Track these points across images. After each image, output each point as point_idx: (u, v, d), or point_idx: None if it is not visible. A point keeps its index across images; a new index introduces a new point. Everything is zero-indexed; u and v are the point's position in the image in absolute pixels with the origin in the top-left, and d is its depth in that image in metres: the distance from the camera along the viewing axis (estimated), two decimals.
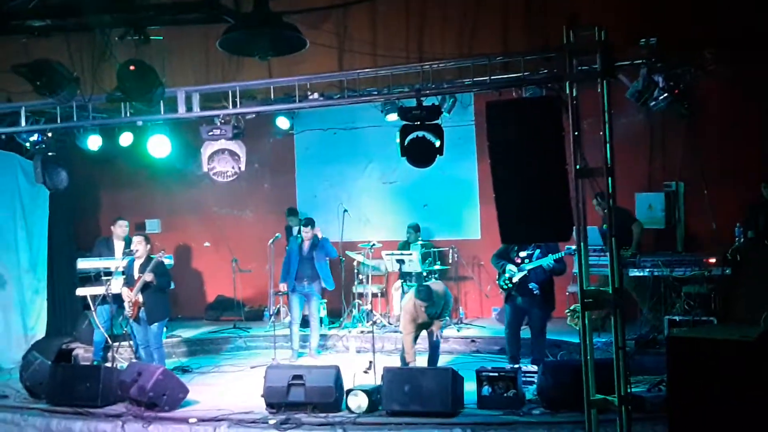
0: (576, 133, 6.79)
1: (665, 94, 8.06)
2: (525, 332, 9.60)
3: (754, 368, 6.20)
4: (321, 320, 12.12)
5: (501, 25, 7.47)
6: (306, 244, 11.03)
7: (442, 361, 10.44)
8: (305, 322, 11.26)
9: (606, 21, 6.75)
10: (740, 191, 10.11)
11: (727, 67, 8.78)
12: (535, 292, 9.16)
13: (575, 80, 6.88)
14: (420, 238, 12.32)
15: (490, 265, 9.90)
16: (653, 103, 8.31)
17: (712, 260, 9.69)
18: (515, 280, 9.19)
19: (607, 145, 6.66)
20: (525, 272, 9.16)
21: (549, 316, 9.61)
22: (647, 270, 9.93)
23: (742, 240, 9.51)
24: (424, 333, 9.48)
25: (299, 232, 11.48)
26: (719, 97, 10.22)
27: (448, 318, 10.65)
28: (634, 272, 9.96)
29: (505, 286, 9.30)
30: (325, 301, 12.42)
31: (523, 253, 9.23)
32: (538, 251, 9.16)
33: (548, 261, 9.09)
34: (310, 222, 11.19)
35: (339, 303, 12.76)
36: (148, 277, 9.46)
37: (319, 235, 11.07)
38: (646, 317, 10.10)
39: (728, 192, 10.42)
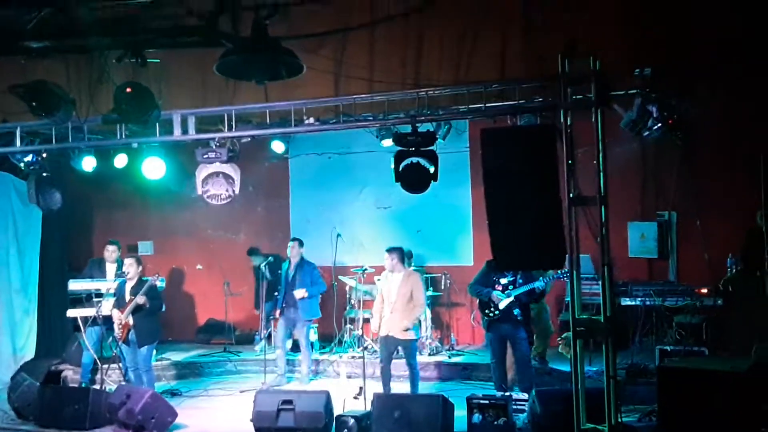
0: (570, 162, 6.83)
1: (659, 124, 8.11)
2: None
3: (744, 400, 6.21)
4: (312, 345, 12.12)
5: (497, 52, 7.51)
6: (292, 265, 10.98)
7: (432, 387, 10.44)
8: (297, 347, 11.23)
9: (601, 51, 6.82)
10: (733, 222, 10.14)
11: (721, 98, 8.85)
12: (519, 318, 9.18)
13: (570, 109, 6.94)
14: (412, 264, 12.32)
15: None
16: (647, 132, 8.36)
17: (704, 290, 9.73)
18: (502, 306, 9.18)
19: (601, 174, 6.70)
20: (512, 298, 9.16)
21: (531, 342, 9.62)
22: (639, 299, 9.96)
23: (734, 270, 9.53)
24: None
25: (266, 266, 11.48)
26: (713, 128, 10.27)
27: (422, 322, 10.62)
28: (626, 301, 9.98)
29: (492, 314, 9.27)
30: (317, 325, 12.40)
31: (504, 280, 9.22)
32: (519, 276, 9.18)
33: (540, 283, 9.10)
34: (297, 239, 11.22)
35: (330, 328, 12.72)
36: (141, 299, 9.42)
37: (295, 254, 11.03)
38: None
39: (721, 222, 10.45)
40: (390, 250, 9.55)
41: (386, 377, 9.50)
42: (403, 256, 9.69)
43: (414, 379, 9.47)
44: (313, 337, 12.27)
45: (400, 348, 9.51)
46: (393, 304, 9.37)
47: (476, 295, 9.50)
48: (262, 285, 11.48)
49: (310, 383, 10.94)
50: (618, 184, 8.54)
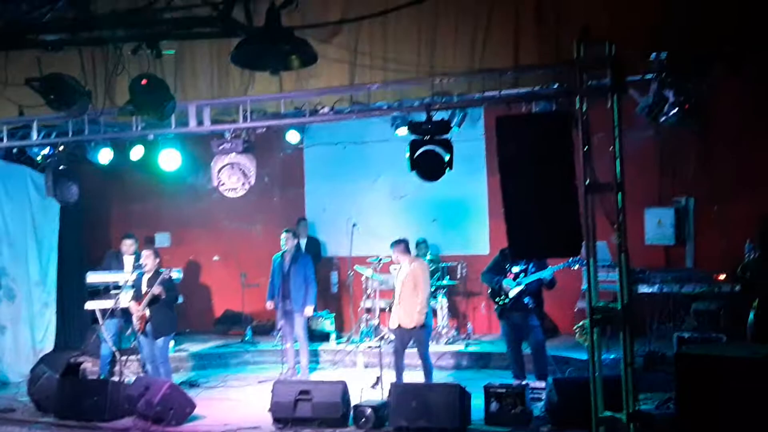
0: (586, 148, 6.80)
1: (675, 109, 8.04)
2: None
3: (763, 386, 6.17)
4: (328, 336, 12.20)
5: (512, 39, 7.45)
6: (287, 259, 10.94)
7: (449, 376, 10.45)
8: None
9: (617, 36, 6.78)
10: (750, 207, 10.07)
11: (738, 82, 8.77)
12: (530, 306, 9.22)
13: (585, 95, 6.89)
14: (428, 253, 12.31)
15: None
16: (663, 117, 8.28)
17: (722, 277, 9.67)
18: (512, 294, 9.22)
19: (617, 161, 6.66)
20: (522, 286, 9.19)
21: (544, 329, 9.64)
22: (656, 286, 9.91)
23: (752, 256, 9.47)
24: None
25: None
26: (730, 113, 10.19)
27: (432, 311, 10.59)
28: (644, 288, 9.94)
29: (501, 302, 9.33)
30: (333, 315, 12.44)
31: (516, 269, 9.29)
32: (531, 265, 9.20)
33: (548, 273, 9.12)
34: (291, 229, 11.20)
35: (347, 318, 12.74)
36: (157, 290, 9.49)
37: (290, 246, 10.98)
38: None
39: (738, 208, 10.37)
40: (393, 245, 9.64)
41: (398, 368, 9.54)
42: (407, 247, 9.72)
43: (427, 370, 9.51)
44: (330, 327, 12.32)
45: (411, 340, 9.55)
46: (400, 294, 9.46)
47: (488, 283, 9.59)
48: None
49: (311, 375, 10.95)
50: (634, 169, 8.47)
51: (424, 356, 9.51)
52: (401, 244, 9.64)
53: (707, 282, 9.75)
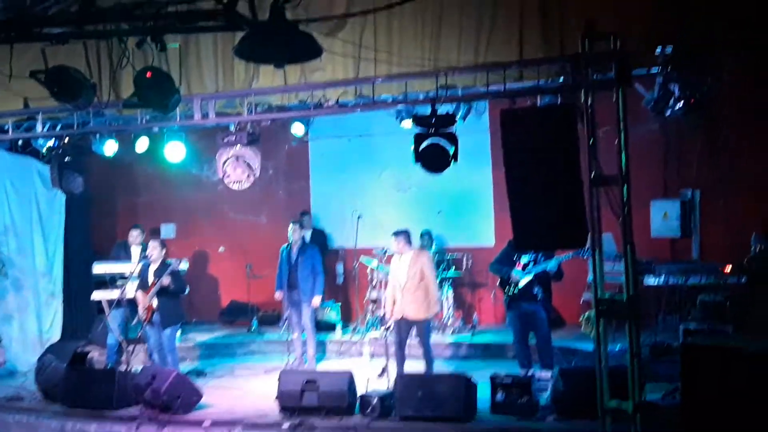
0: (591, 141, 6.79)
1: (681, 103, 8.01)
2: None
3: None
4: (334, 326, 12.23)
5: (516, 33, 7.44)
6: (294, 250, 10.94)
7: (455, 367, 10.47)
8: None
9: (622, 29, 6.77)
10: (757, 200, 10.06)
11: (744, 74, 8.73)
12: (539, 297, 9.24)
13: (591, 89, 6.88)
14: (434, 245, 12.32)
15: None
16: (669, 111, 8.27)
17: (728, 269, 9.65)
18: (521, 284, 9.23)
19: (623, 154, 6.66)
20: (531, 276, 9.20)
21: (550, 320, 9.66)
22: (663, 277, 9.90)
23: (758, 249, 9.46)
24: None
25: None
26: (736, 105, 10.15)
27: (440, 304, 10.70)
28: (650, 280, 9.94)
29: (510, 292, 9.34)
30: (339, 304, 12.46)
31: (524, 259, 9.29)
32: (540, 255, 9.21)
33: (552, 264, 9.14)
34: (298, 222, 11.21)
35: (353, 308, 12.77)
36: (166, 280, 9.53)
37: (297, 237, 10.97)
38: None
39: (744, 200, 10.37)
40: (396, 234, 9.62)
41: (400, 360, 9.56)
42: (410, 238, 9.71)
43: (429, 359, 9.54)
44: (335, 317, 12.36)
45: (413, 329, 9.54)
46: (404, 285, 9.41)
47: (497, 273, 9.59)
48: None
49: (318, 365, 10.97)
50: (640, 162, 8.45)
51: (426, 346, 9.54)
52: (404, 234, 9.63)
53: (713, 274, 9.72)
